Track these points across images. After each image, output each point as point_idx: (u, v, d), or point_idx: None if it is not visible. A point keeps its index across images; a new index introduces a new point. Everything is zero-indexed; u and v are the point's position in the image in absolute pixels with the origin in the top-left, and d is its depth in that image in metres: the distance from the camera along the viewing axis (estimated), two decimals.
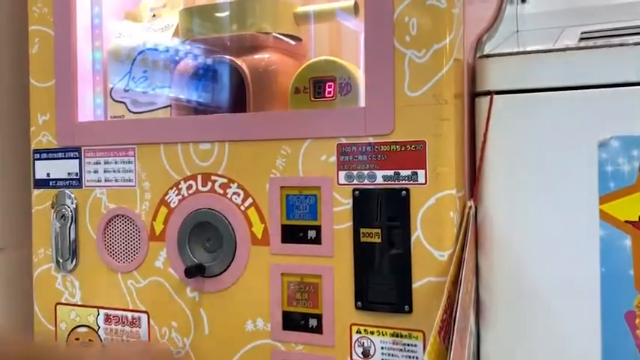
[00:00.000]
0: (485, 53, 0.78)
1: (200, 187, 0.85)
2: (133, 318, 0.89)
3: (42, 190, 0.96)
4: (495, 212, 0.77)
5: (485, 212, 0.77)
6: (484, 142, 0.77)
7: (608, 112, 0.71)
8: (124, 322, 0.90)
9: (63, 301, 0.95)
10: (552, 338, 0.74)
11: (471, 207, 0.76)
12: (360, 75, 0.79)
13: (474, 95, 0.79)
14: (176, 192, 0.86)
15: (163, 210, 0.87)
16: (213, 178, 0.84)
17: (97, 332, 0.92)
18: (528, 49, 0.76)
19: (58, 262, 0.95)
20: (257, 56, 0.88)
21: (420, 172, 0.73)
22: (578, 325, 0.73)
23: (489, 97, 0.76)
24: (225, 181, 0.83)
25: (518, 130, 0.75)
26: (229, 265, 0.83)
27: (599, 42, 0.74)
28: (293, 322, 0.79)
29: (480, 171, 0.77)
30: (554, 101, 0.73)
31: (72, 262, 0.94)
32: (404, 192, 0.74)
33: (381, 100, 0.74)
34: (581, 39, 0.80)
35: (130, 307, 0.90)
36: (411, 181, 0.74)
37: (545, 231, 0.74)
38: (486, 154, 0.77)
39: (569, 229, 0.73)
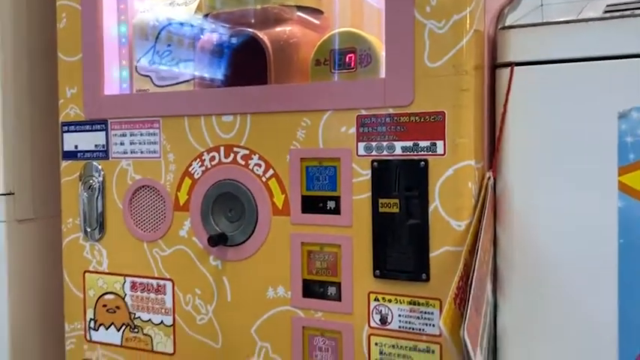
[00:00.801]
0: (506, 25, 0.78)
1: (223, 159, 0.87)
2: (158, 285, 0.93)
3: (70, 161, 1.00)
4: (514, 183, 0.77)
5: (504, 183, 0.78)
6: (504, 113, 0.77)
7: (629, 83, 0.71)
8: (149, 290, 0.93)
9: (91, 268, 0.98)
10: (569, 309, 0.75)
11: (489, 178, 0.77)
12: (380, 46, 0.80)
13: (495, 67, 0.79)
14: (199, 163, 0.89)
15: (187, 181, 0.90)
16: (235, 149, 0.86)
17: (123, 299, 0.96)
18: (550, 20, 0.75)
19: (86, 231, 0.98)
20: (279, 29, 0.89)
21: (439, 143, 0.74)
22: (595, 296, 0.73)
23: (510, 68, 0.76)
24: (247, 152, 0.85)
25: (538, 102, 0.76)
26: (251, 235, 0.85)
27: (625, 14, 0.74)
28: (313, 290, 0.82)
29: (500, 142, 0.77)
30: (574, 73, 0.73)
31: (99, 231, 0.97)
32: (422, 163, 0.75)
33: (401, 71, 0.75)
34: (606, 11, 0.79)
35: (156, 275, 0.93)
36: (430, 152, 0.75)
37: (564, 202, 0.74)
38: (506, 125, 0.77)
39: (587, 201, 0.73)
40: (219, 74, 0.94)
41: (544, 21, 0.76)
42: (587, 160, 0.73)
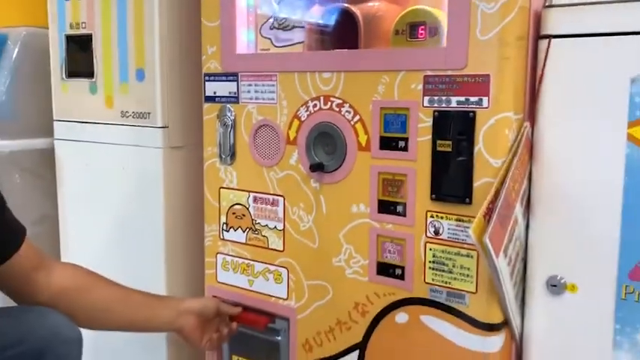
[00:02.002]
0: (548, 4, 0.97)
1: (322, 106, 1.12)
2: (273, 200, 1.22)
3: (210, 104, 1.28)
4: (547, 131, 0.98)
5: (539, 131, 0.98)
6: (541, 76, 0.97)
7: None
8: (266, 203, 1.23)
9: (224, 185, 1.28)
10: (584, 227, 0.95)
11: (526, 126, 0.98)
12: (444, 21, 1.01)
13: (538, 38, 0.98)
14: (305, 109, 1.15)
15: (296, 122, 1.17)
16: (331, 99, 1.11)
17: (247, 209, 1.26)
18: (581, 1, 0.93)
19: (221, 157, 1.27)
20: (369, 4, 1.12)
21: (485, 99, 0.96)
22: (605, 218, 0.93)
23: (548, 40, 0.95)
24: (340, 101, 1.10)
25: (569, 68, 0.95)
26: (341, 164, 1.11)
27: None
28: (385, 207, 1.07)
29: (537, 99, 0.98)
30: (597, 44, 0.91)
31: (231, 158, 1.26)
32: (471, 114, 0.97)
33: (458, 42, 0.96)
34: None
35: (271, 192, 1.21)
36: (477, 106, 0.96)
37: (584, 146, 0.94)
38: (543, 85, 0.97)
39: (602, 146, 0.93)
40: (321, 39, 1.19)
41: (575, 2, 0.94)
42: (604, 115, 0.92)
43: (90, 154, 1.49)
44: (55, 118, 1.55)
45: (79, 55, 1.48)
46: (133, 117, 1.39)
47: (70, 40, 1.49)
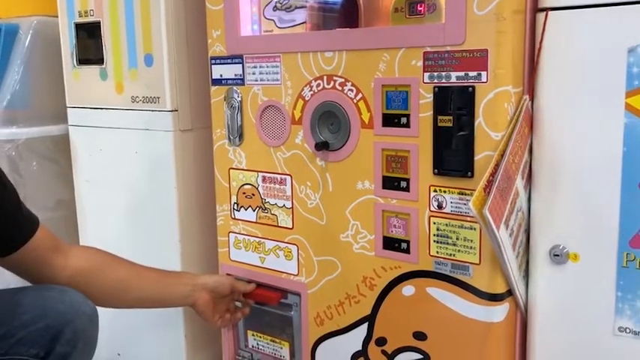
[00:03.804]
0: None
1: (325, 85, 1.14)
2: (280, 179, 1.24)
3: (217, 87, 1.31)
4: (545, 103, 0.99)
5: (538, 104, 0.99)
6: (539, 49, 0.98)
7: (637, 24, 0.89)
8: (275, 182, 1.26)
9: (234, 166, 1.32)
10: (582, 198, 0.97)
11: (525, 99, 0.99)
12: None
13: (537, 11, 0.99)
14: (309, 88, 1.17)
15: (300, 102, 1.19)
16: (334, 78, 1.13)
17: (257, 188, 1.29)
18: None
19: (229, 139, 1.30)
20: None
21: (483, 73, 0.97)
22: (604, 188, 0.95)
23: (545, 13, 0.96)
24: (342, 80, 1.12)
25: (566, 40, 0.95)
26: (345, 143, 1.13)
27: None
28: (389, 183, 1.09)
29: (535, 71, 0.99)
30: (595, 16, 0.92)
31: (239, 139, 1.29)
32: (470, 88, 0.98)
33: (456, 18, 0.97)
34: None
35: (279, 171, 1.24)
36: (476, 80, 0.98)
37: (583, 117, 0.95)
38: (541, 58, 0.98)
39: (600, 116, 0.94)
40: (323, 19, 1.20)
41: None
42: (602, 85, 0.93)
43: (103, 139, 1.52)
44: (67, 104, 1.59)
45: (89, 43, 1.51)
46: (143, 102, 1.42)
47: (80, 27, 1.52)
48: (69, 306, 0.94)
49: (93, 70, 1.51)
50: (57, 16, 1.57)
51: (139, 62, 1.41)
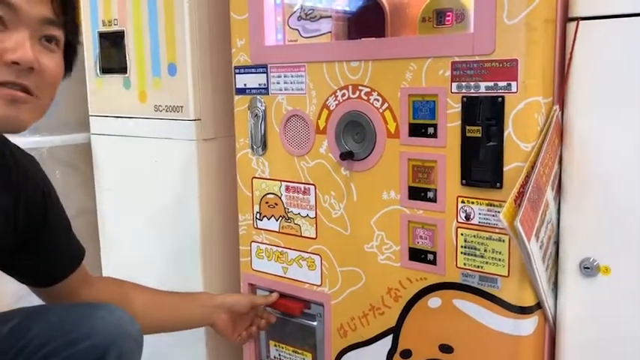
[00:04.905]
0: None
1: (351, 95, 1.14)
2: (304, 188, 1.24)
3: (241, 96, 1.31)
4: (577, 115, 0.98)
5: (568, 115, 0.98)
6: (570, 58, 0.97)
7: None
8: (298, 191, 1.25)
9: (257, 175, 1.31)
10: (613, 210, 0.95)
11: (555, 110, 0.98)
12: (471, 7, 1.01)
13: (567, 20, 0.98)
14: (334, 98, 1.16)
15: (325, 111, 1.18)
16: (360, 87, 1.12)
17: (280, 198, 1.28)
18: None
19: (253, 148, 1.30)
20: None
21: (513, 84, 0.96)
22: (637, 200, 0.93)
23: (576, 22, 0.95)
24: (368, 90, 1.11)
25: (597, 50, 0.94)
26: (371, 152, 1.12)
27: None
28: (416, 193, 1.08)
29: (566, 82, 0.97)
30: (626, 26, 0.91)
31: (262, 148, 1.28)
32: (500, 99, 0.97)
33: (486, 27, 0.97)
34: None
35: (303, 181, 1.24)
36: (506, 90, 0.97)
37: (613, 128, 0.94)
38: (572, 68, 0.97)
39: (631, 127, 0.92)
40: (348, 28, 1.20)
41: None
42: (633, 95, 0.92)
43: (125, 148, 1.53)
44: (90, 113, 1.60)
45: (112, 52, 1.52)
46: (166, 111, 1.42)
47: (103, 36, 1.53)
48: (116, 326, 0.95)
49: (116, 79, 1.51)
50: (80, 25, 1.58)
51: (162, 71, 1.42)
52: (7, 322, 0.95)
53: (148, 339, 1.47)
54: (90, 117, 1.60)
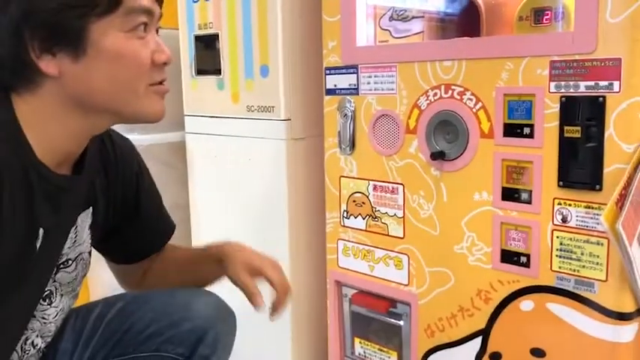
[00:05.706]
0: None
1: (443, 94, 1.14)
2: (392, 188, 1.25)
3: (331, 96, 1.33)
4: None
5: None
6: None
7: None
8: (386, 191, 1.26)
9: (345, 174, 1.33)
10: None
11: None
12: (571, 5, 0.99)
13: None
14: (425, 98, 1.17)
15: (416, 111, 1.19)
16: (453, 87, 1.12)
17: (367, 197, 1.30)
18: None
19: (341, 147, 1.31)
20: None
21: (616, 83, 0.93)
22: None
23: None
24: (462, 89, 1.11)
25: None
26: (463, 152, 1.12)
27: None
28: (509, 194, 1.07)
29: None
30: None
31: (351, 148, 1.30)
32: (601, 99, 0.95)
33: (587, 26, 0.95)
34: None
35: (391, 180, 1.25)
36: (608, 90, 0.94)
37: None
38: None
39: None
40: (441, 28, 1.20)
41: None
42: None
43: (218, 147, 1.59)
44: (185, 113, 1.67)
45: (207, 54, 1.58)
46: (258, 111, 1.47)
47: (198, 39, 1.59)
48: (214, 310, 1.00)
49: (210, 80, 1.58)
50: (177, 29, 1.65)
51: (255, 73, 1.46)
52: (114, 305, 1.01)
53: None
54: (185, 116, 1.67)
